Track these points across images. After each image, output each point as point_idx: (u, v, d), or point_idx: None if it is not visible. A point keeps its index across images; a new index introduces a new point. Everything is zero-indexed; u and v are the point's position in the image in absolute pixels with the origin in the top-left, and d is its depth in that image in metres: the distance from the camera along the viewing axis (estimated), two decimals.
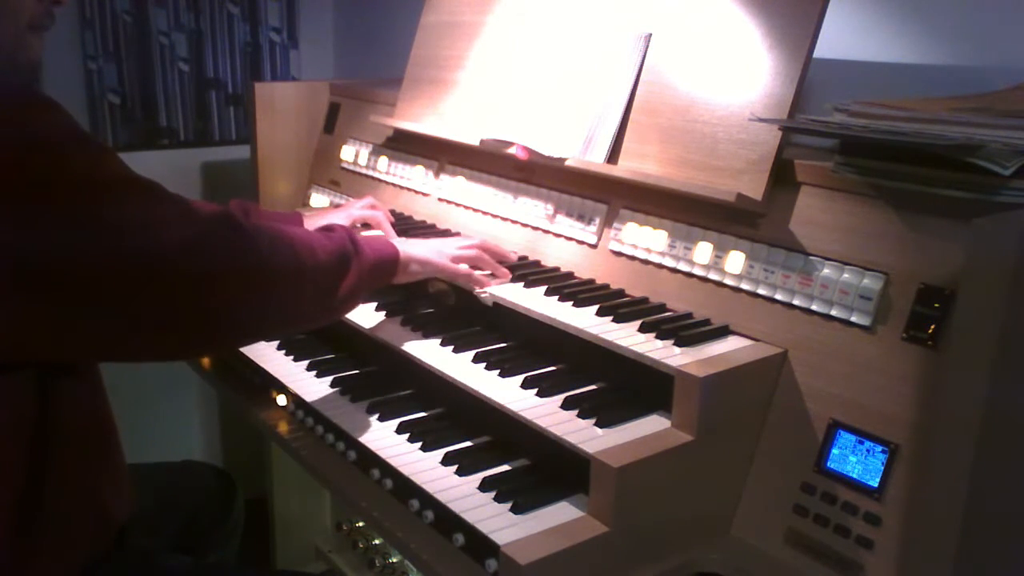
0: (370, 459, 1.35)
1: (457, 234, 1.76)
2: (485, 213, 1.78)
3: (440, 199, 1.90)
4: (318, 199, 2.25)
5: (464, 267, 1.50)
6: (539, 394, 1.30)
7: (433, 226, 1.85)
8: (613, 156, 1.53)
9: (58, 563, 1.15)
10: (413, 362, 1.45)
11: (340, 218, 1.76)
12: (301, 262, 1.22)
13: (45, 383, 1.10)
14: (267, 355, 1.70)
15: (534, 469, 1.30)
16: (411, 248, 1.46)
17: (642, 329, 1.31)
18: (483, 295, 1.46)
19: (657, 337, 1.29)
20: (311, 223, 1.68)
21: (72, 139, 0.99)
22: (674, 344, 1.27)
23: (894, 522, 1.11)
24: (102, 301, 1.00)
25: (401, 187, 2.02)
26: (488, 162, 1.79)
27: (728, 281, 1.34)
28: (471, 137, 1.73)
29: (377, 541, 2.06)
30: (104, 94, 2.45)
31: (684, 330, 1.29)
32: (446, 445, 1.35)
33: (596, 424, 1.21)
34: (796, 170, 1.29)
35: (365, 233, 1.70)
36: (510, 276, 1.53)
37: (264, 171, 2.30)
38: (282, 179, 2.32)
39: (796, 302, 1.26)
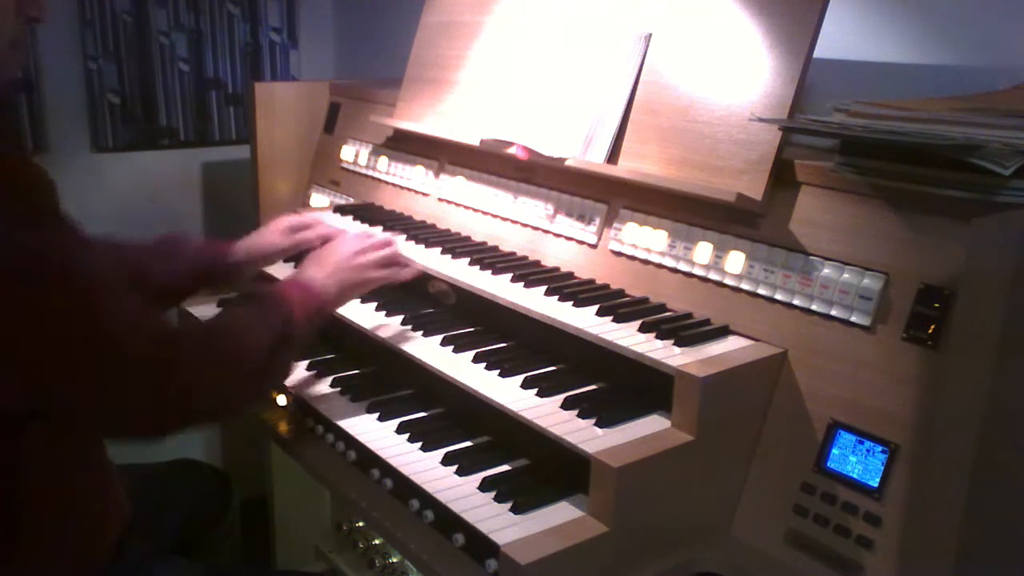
0: (370, 459, 1.35)
1: (369, 235, 1.60)
2: (485, 213, 1.78)
3: (440, 199, 1.90)
4: (318, 199, 2.25)
5: (383, 272, 1.49)
6: (539, 394, 1.30)
7: (433, 226, 1.85)
8: (613, 156, 1.53)
9: None
10: (413, 362, 1.45)
11: (285, 242, 1.67)
12: (247, 352, 1.25)
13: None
14: None
15: (534, 469, 1.30)
16: (331, 283, 1.41)
17: (642, 329, 1.31)
18: (441, 286, 1.48)
19: (657, 337, 1.29)
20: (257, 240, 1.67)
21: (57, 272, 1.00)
22: (674, 344, 1.27)
23: (894, 522, 1.11)
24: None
25: (401, 187, 2.02)
26: (488, 162, 1.78)
27: (728, 281, 1.34)
28: (471, 137, 1.72)
29: (377, 541, 2.05)
30: (104, 94, 2.44)
31: (684, 330, 1.29)
32: (446, 445, 1.35)
33: (596, 424, 1.21)
34: (796, 170, 1.29)
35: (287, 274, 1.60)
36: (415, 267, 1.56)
37: (264, 171, 2.30)
38: (282, 179, 2.32)
39: (796, 302, 1.26)
